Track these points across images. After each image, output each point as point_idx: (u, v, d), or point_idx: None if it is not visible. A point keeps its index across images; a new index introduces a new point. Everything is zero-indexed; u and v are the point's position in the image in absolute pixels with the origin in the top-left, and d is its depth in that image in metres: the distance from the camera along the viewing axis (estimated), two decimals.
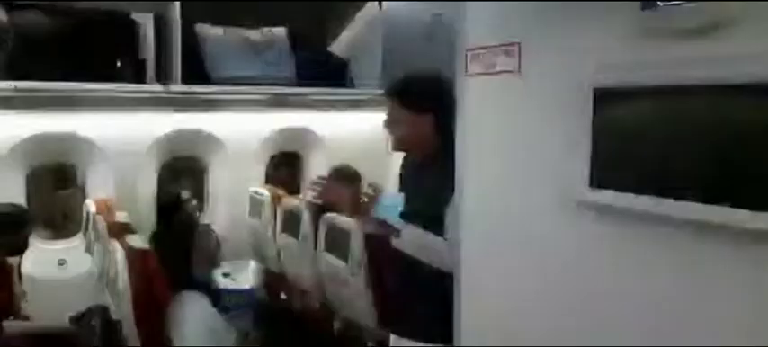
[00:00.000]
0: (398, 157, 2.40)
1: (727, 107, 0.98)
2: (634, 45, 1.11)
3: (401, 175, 2.28)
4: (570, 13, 1.24)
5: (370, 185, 2.13)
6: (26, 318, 3.02)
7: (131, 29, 2.92)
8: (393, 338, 2.26)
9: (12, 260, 3.04)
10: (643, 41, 1.10)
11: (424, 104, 2.00)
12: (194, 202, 3.53)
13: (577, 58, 1.21)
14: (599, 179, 1.18)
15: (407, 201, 2.15)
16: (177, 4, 2.86)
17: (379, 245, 2.14)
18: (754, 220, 0.93)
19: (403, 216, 2.12)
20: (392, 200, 2.03)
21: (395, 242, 1.99)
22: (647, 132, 1.09)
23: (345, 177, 3.69)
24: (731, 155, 0.97)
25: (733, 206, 0.96)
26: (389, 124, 2.09)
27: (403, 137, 2.08)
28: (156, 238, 2.88)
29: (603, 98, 1.15)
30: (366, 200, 2.17)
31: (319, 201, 2.49)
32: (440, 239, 1.94)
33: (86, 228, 3.44)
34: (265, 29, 3.33)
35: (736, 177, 0.97)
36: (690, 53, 1.03)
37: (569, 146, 1.23)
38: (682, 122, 1.04)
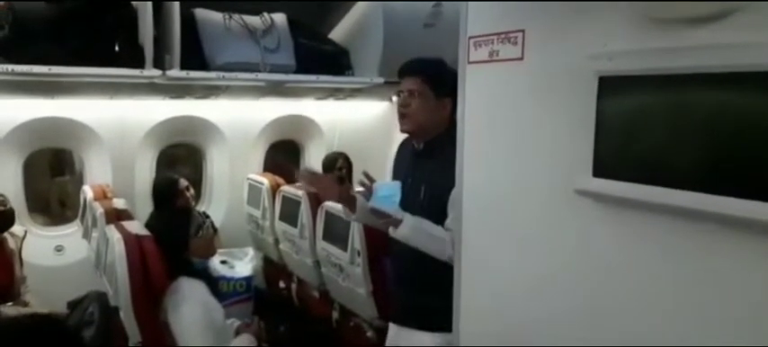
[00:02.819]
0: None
1: (733, 95, 0.97)
2: (640, 33, 1.10)
3: (396, 166, 2.25)
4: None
5: (364, 173, 2.07)
6: (26, 304, 3.03)
7: (130, 14, 2.89)
8: (391, 326, 2.25)
9: (12, 244, 3.04)
10: (649, 29, 1.08)
11: (449, 86, 1.95)
12: (191, 189, 3.53)
13: (582, 46, 1.20)
14: (602, 167, 1.17)
15: (404, 190, 2.13)
16: None
17: (378, 234, 2.12)
18: (762, 211, 0.92)
19: (400, 204, 2.09)
20: (389, 189, 1.98)
21: (394, 232, 1.95)
22: (652, 121, 1.08)
23: (329, 166, 3.70)
24: (738, 145, 0.96)
25: (739, 196, 0.95)
26: (407, 101, 2.03)
27: (423, 118, 2.02)
28: (153, 224, 2.87)
29: (608, 86, 1.14)
30: (361, 188, 2.13)
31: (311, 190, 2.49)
32: (440, 229, 1.92)
33: (83, 215, 3.43)
34: (265, 15, 3.30)
35: (743, 167, 0.96)
36: (695, 41, 1.01)
37: (572, 134, 1.22)
38: (687, 111, 1.02)
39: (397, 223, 1.93)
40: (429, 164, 2.03)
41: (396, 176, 2.20)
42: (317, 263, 3.01)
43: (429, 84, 2.01)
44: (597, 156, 1.17)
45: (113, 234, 2.45)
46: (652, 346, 1.12)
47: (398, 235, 1.93)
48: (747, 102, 0.95)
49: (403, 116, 2.05)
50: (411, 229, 1.92)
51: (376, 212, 1.93)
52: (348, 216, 2.20)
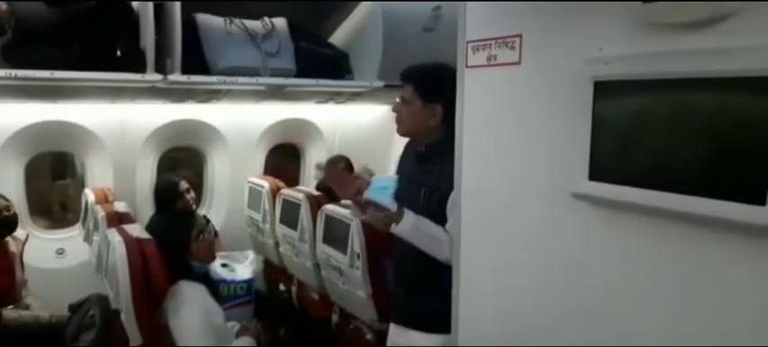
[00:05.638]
0: (398, 150, 2.40)
1: (727, 100, 0.98)
2: (635, 37, 1.11)
3: (400, 166, 2.27)
4: (571, 5, 1.24)
5: (364, 167, 2.12)
6: (27, 307, 3.04)
7: (132, 18, 2.90)
8: (392, 327, 2.26)
9: (14, 247, 3.05)
10: (644, 34, 1.09)
11: (438, 94, 2.01)
12: (192, 192, 3.54)
13: (578, 51, 1.21)
14: (598, 171, 1.18)
15: (405, 192, 2.14)
16: None
17: (377, 236, 2.13)
18: (754, 214, 0.93)
19: (401, 205, 2.11)
20: (384, 181, 2.01)
21: (395, 229, 1.97)
22: (648, 125, 1.09)
23: (338, 163, 3.71)
24: (733, 149, 0.97)
25: (734, 200, 0.96)
26: (400, 108, 2.10)
27: (412, 123, 2.08)
28: (154, 228, 2.88)
29: (604, 90, 1.15)
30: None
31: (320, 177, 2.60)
32: (440, 228, 1.94)
33: (85, 218, 3.44)
34: (266, 19, 3.32)
35: (738, 171, 0.97)
36: (690, 46, 1.02)
37: (569, 138, 1.23)
38: (682, 115, 1.04)
39: (399, 218, 1.96)
40: (429, 167, 2.05)
41: (399, 176, 2.22)
42: (317, 266, 3.02)
43: (418, 92, 2.05)
44: (593, 160, 1.19)
45: (114, 237, 2.46)
46: None
47: (399, 231, 1.97)
48: (743, 106, 0.96)
49: (397, 121, 2.13)
50: (412, 227, 1.96)
51: (372, 203, 1.97)
52: (357, 215, 2.23)
